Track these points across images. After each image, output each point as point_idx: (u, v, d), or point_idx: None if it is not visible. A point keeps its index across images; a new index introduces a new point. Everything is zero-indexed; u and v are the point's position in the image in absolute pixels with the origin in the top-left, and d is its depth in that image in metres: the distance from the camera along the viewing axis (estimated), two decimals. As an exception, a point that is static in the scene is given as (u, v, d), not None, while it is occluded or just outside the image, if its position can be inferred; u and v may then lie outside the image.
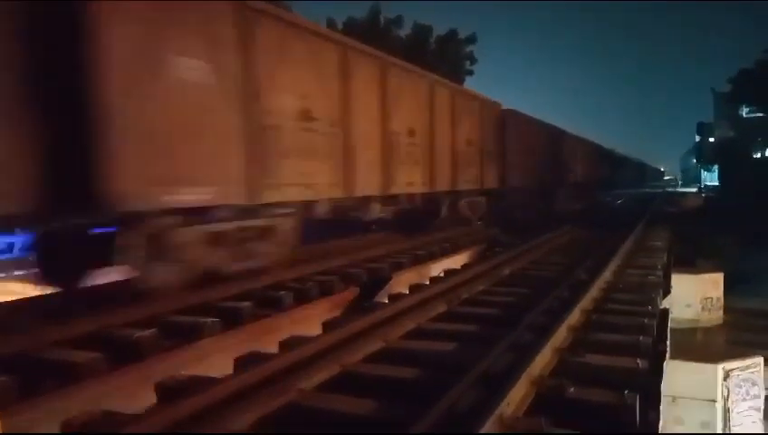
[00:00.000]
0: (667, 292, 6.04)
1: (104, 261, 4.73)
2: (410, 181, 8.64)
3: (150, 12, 4.25)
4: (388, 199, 8.32)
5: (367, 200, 7.74)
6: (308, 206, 6.55)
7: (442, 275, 6.77)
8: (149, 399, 3.19)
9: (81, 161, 3.85)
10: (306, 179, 6.21)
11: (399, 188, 8.29)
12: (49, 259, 5.29)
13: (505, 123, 13.20)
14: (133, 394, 3.29)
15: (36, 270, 5.49)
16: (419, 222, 10.29)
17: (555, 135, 20.15)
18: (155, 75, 4.28)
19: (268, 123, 5.53)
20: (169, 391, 3.08)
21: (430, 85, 9.36)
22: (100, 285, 5.54)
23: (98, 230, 4.85)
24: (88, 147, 3.85)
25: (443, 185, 9.86)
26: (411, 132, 8.64)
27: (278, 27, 5.74)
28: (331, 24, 25.44)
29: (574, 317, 4.25)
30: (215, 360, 3.89)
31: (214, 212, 5.11)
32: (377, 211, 8.17)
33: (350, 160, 7.00)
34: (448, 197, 10.54)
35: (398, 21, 27.46)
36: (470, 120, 11.07)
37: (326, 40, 6.70)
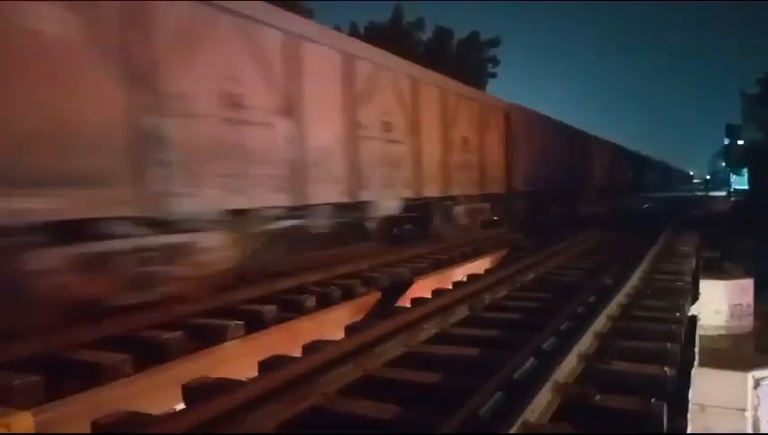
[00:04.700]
0: (695, 298, 5.92)
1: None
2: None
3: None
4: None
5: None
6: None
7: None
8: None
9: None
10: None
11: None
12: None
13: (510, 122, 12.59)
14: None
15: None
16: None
17: (575, 137, 19.90)
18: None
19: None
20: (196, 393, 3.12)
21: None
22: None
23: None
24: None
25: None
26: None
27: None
28: (354, 28, 25.58)
29: (600, 323, 4.19)
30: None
31: None
32: None
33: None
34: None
35: (419, 24, 27.45)
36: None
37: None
